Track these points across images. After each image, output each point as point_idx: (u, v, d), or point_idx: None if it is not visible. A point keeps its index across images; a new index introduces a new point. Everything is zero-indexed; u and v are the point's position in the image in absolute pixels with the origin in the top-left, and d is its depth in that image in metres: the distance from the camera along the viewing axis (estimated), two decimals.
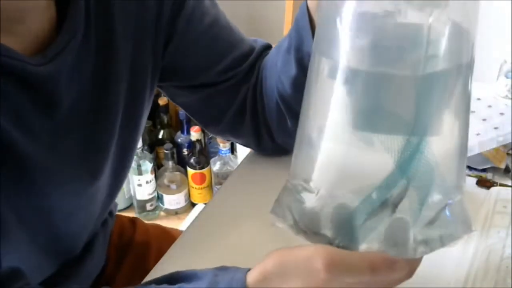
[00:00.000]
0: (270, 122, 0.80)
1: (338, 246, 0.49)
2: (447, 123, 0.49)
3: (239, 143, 0.93)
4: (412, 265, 0.49)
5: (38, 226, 0.64)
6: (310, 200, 0.50)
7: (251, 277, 0.49)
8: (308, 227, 0.50)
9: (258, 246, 0.69)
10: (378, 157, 0.48)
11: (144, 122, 0.75)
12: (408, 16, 0.46)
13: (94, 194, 0.70)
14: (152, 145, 2.02)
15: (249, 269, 0.50)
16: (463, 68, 0.48)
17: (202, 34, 0.75)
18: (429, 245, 0.49)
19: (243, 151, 1.90)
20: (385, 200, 0.47)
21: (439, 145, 0.48)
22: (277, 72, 0.75)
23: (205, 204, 1.91)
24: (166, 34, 0.72)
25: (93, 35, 0.63)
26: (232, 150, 1.96)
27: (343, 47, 0.47)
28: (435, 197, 0.49)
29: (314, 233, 0.50)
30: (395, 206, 0.47)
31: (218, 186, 1.95)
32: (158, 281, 0.56)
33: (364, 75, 0.47)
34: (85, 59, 0.62)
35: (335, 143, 0.49)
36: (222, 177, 1.93)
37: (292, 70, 0.71)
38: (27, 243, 0.64)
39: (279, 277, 0.48)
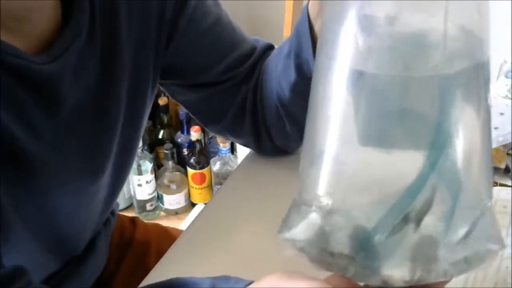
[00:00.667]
0: (269, 125, 0.80)
1: (359, 268, 0.45)
2: (472, 124, 0.46)
3: (239, 143, 0.93)
4: None
5: (40, 225, 0.65)
6: (323, 216, 0.46)
7: None
8: (322, 248, 0.46)
9: (258, 246, 0.69)
10: (399, 163, 0.45)
11: (145, 121, 0.75)
12: (415, 18, 0.45)
13: (96, 193, 0.70)
14: (152, 145, 2.02)
15: (250, 283, 0.50)
16: (479, 68, 0.46)
17: (203, 34, 0.75)
18: (458, 267, 0.44)
19: (243, 151, 1.90)
20: (407, 214, 0.43)
21: (465, 146, 0.45)
22: (277, 76, 0.75)
23: (205, 204, 1.91)
24: (168, 33, 0.72)
25: (98, 34, 0.63)
26: (232, 150, 1.95)
27: (361, 51, 0.45)
28: (466, 205, 0.44)
29: (330, 254, 0.45)
30: (419, 219, 0.43)
31: (218, 186, 1.94)
32: (157, 286, 0.56)
33: (380, 79, 0.44)
34: (89, 58, 0.63)
35: (349, 151, 0.46)
36: (222, 177, 1.93)
37: (292, 75, 0.71)
38: (30, 242, 0.64)
39: None
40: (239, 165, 0.90)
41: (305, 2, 1.92)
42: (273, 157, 0.86)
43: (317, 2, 0.67)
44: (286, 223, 0.48)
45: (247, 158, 0.89)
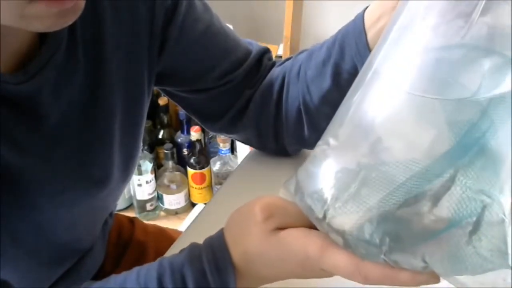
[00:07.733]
0: (285, 128, 0.79)
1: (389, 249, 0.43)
2: None
3: (237, 140, 0.93)
4: None
5: (37, 242, 0.63)
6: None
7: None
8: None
9: None
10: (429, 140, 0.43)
11: (143, 128, 0.74)
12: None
13: (96, 202, 0.69)
14: (152, 145, 2.02)
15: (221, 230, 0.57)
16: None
17: (195, 41, 0.73)
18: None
19: (243, 151, 1.90)
20: (422, 194, 0.42)
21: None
22: (305, 81, 0.73)
23: (205, 204, 1.91)
24: (160, 41, 0.70)
25: (80, 47, 0.61)
26: (232, 150, 1.96)
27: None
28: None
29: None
30: (436, 199, 0.42)
31: (218, 186, 1.94)
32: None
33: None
34: (71, 73, 0.61)
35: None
36: (222, 177, 1.93)
37: (325, 83, 0.70)
38: (26, 260, 0.63)
39: (236, 233, 0.55)
40: (239, 165, 0.90)
41: (305, 2, 1.92)
42: (273, 157, 0.86)
43: (379, 4, 0.64)
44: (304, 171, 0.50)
45: (247, 158, 0.89)
